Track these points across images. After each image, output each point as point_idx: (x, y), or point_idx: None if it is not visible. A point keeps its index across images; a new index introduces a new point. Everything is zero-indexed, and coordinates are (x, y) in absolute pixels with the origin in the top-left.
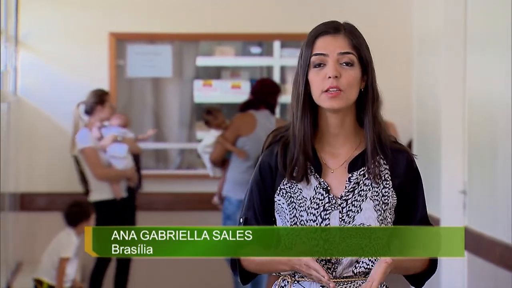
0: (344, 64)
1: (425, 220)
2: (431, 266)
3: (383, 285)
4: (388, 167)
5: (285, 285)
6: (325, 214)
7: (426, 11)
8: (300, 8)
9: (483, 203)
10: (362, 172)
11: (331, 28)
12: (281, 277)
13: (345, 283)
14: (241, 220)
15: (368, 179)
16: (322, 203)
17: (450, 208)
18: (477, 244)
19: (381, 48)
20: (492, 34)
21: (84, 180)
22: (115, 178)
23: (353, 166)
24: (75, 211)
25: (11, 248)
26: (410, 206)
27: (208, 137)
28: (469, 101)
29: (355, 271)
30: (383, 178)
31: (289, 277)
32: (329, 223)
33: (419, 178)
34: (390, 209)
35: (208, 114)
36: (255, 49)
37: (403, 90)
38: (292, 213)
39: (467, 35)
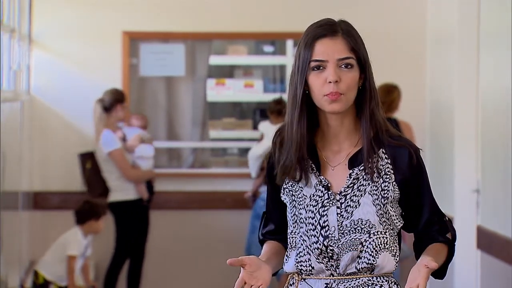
0: (343, 66)
1: (432, 218)
2: (450, 252)
3: (393, 283)
4: (389, 162)
5: (293, 283)
6: (323, 211)
7: (439, 10)
8: (312, 6)
9: (497, 202)
10: (362, 167)
11: (328, 30)
12: (289, 276)
13: (350, 280)
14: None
15: (367, 174)
16: (321, 200)
17: (463, 207)
18: (490, 243)
19: (394, 47)
20: (506, 33)
21: (88, 180)
22: (144, 179)
23: (353, 162)
24: (85, 209)
25: (24, 246)
26: (418, 204)
27: (259, 147)
28: (483, 100)
29: (358, 267)
30: (383, 172)
31: (296, 275)
32: (327, 220)
33: (423, 173)
34: (391, 202)
35: (277, 104)
36: (268, 48)
37: (416, 89)
38: (293, 211)
39: (480, 34)
